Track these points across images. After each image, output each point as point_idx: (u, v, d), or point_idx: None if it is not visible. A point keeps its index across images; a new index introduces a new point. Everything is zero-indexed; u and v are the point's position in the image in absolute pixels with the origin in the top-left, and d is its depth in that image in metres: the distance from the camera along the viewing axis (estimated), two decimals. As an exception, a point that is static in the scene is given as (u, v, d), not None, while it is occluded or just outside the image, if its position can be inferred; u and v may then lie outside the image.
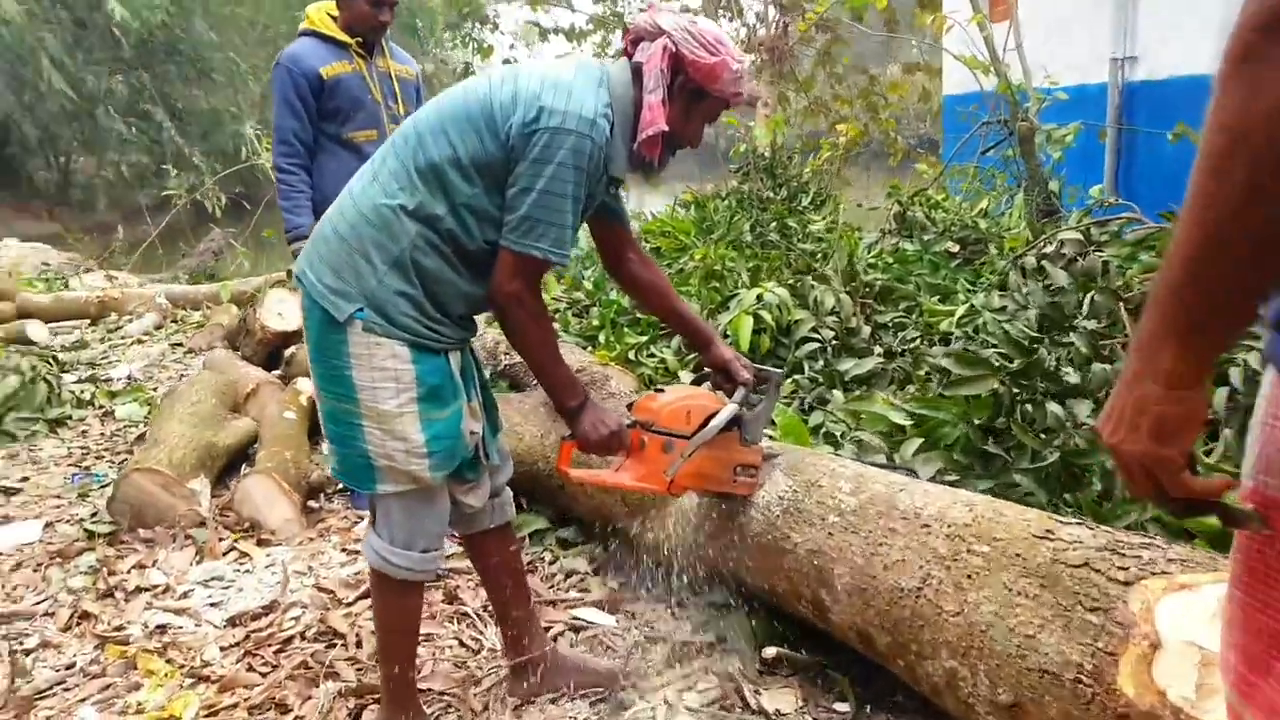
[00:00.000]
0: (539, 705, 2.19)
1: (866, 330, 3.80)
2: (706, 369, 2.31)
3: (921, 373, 3.18)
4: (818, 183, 6.53)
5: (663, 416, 2.12)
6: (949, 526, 1.80)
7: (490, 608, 2.41)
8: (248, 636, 2.60)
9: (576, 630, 2.52)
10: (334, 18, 3.14)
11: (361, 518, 3.33)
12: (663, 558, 2.46)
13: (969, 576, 1.70)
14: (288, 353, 4.78)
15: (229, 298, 7.08)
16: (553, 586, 2.77)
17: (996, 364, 2.48)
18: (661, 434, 2.11)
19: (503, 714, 2.17)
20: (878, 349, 3.60)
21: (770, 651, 2.07)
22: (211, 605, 2.81)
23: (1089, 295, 3.03)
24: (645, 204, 8.25)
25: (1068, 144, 5.08)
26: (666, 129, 1.85)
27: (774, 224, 5.28)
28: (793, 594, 2.12)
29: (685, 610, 2.51)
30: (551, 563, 2.91)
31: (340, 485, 3.64)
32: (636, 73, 1.88)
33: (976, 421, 2.53)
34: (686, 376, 3.43)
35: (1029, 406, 2.50)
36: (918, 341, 3.63)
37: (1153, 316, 0.82)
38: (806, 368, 3.58)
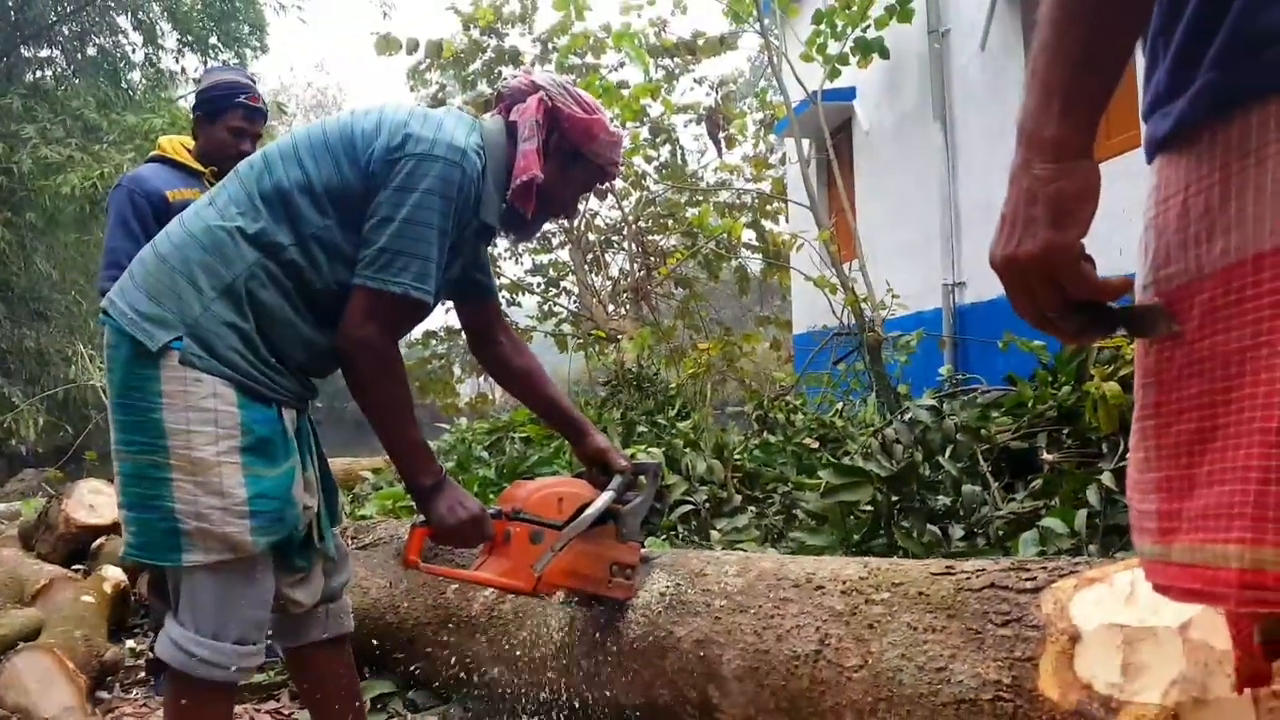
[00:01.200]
0: None
1: (738, 499, 3.74)
2: (580, 461, 2.16)
3: (797, 519, 3.11)
4: (683, 396, 6.67)
5: (531, 503, 1.94)
6: (844, 584, 1.67)
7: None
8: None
9: (426, 786, 2.15)
10: (189, 150, 3.07)
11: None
12: (529, 697, 2.17)
13: (870, 626, 1.56)
14: (95, 544, 4.22)
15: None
16: (399, 747, 2.39)
17: (872, 472, 2.44)
18: (529, 522, 1.92)
19: None
20: (751, 509, 3.52)
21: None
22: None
23: (950, 445, 3.10)
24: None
25: (912, 349, 5.41)
26: (541, 176, 1.79)
27: (644, 417, 5.29)
28: (677, 701, 1.88)
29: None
30: (398, 726, 2.53)
31: (141, 675, 3.13)
32: (511, 131, 1.82)
33: (856, 538, 2.45)
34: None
35: (906, 522, 2.44)
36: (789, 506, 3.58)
37: (1031, 92, 0.83)
38: (680, 530, 3.45)
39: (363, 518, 4.42)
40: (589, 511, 1.95)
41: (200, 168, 3.04)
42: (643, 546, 2.15)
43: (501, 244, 11.93)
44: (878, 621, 1.55)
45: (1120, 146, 4.92)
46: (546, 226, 12.35)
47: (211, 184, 3.02)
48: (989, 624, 1.39)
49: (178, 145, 3.08)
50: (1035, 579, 1.39)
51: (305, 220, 1.64)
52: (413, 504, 4.13)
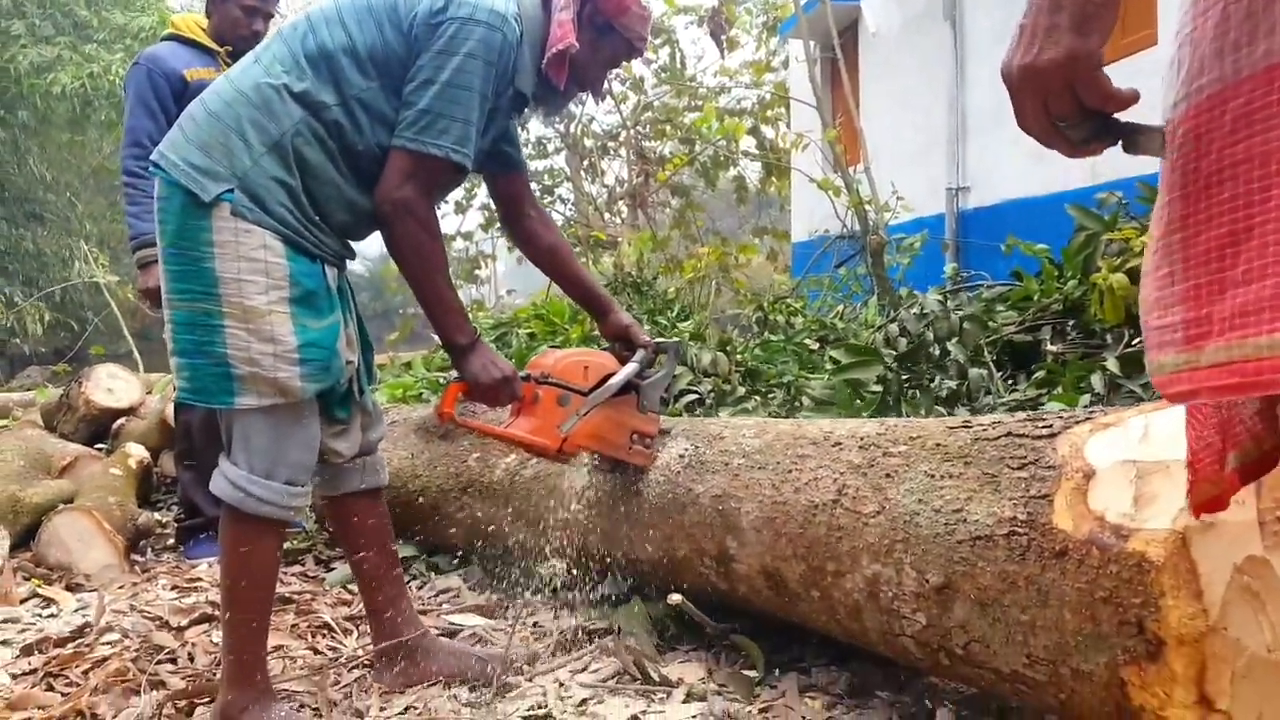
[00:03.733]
0: (413, 693, 1.91)
1: (742, 390, 3.82)
2: (604, 338, 2.23)
3: (802, 406, 3.19)
4: (681, 300, 6.71)
5: (559, 369, 2.01)
6: (861, 439, 1.74)
7: (353, 611, 2.13)
8: (50, 661, 2.18)
9: (452, 634, 2.25)
10: (203, 29, 3.05)
11: (196, 565, 2.94)
12: (548, 557, 2.27)
13: (888, 476, 1.63)
14: (116, 425, 4.32)
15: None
16: (424, 603, 2.49)
17: (882, 351, 2.50)
18: (557, 386, 1.99)
19: (367, 701, 1.88)
20: (755, 399, 3.59)
21: (675, 599, 1.90)
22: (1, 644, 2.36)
23: (956, 336, 3.16)
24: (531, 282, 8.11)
25: (916, 251, 5.44)
26: (576, 45, 1.82)
27: (645, 317, 5.34)
28: (695, 554, 1.98)
29: (574, 609, 2.30)
30: (421, 586, 2.64)
31: (170, 540, 3.24)
32: (545, 2, 1.85)
33: (866, 417, 2.52)
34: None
35: (917, 394, 2.51)
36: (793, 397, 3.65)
37: None
38: (686, 416, 3.52)
39: (371, 406, 4.51)
40: (614, 379, 2.02)
41: (215, 46, 3.02)
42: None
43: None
44: (895, 471, 1.62)
45: (1132, 46, 4.88)
46: (545, 131, 12.08)
47: (227, 63, 3.00)
48: (1005, 468, 1.46)
49: (192, 23, 3.06)
50: (1051, 426, 1.46)
51: (349, 82, 1.68)
52: (420, 390, 4.21)
